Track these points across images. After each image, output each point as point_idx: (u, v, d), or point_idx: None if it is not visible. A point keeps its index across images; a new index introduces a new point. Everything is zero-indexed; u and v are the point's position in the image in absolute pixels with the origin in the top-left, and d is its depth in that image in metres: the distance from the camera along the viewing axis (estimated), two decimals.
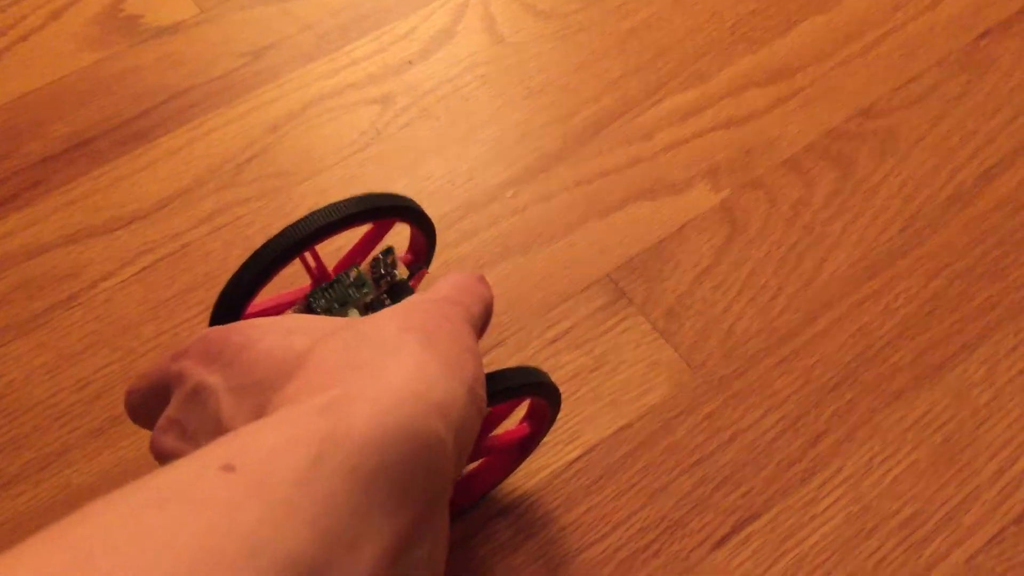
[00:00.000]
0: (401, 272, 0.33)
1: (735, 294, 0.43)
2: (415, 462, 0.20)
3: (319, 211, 0.31)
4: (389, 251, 0.34)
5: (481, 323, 0.28)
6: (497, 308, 0.43)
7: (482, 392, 0.24)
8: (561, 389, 0.41)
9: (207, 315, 0.43)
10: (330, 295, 0.33)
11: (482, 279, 0.29)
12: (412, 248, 0.39)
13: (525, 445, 0.37)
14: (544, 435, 0.37)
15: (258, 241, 0.31)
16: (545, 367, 0.42)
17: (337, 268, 0.36)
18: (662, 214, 0.46)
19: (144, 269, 0.44)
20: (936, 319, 0.43)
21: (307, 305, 0.33)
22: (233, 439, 0.19)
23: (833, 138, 0.48)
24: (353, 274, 0.33)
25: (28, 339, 0.42)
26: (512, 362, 0.42)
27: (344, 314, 0.32)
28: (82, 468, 0.39)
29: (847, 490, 0.39)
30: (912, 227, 0.45)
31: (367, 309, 0.33)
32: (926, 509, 0.38)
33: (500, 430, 0.36)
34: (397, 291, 0.33)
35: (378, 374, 0.21)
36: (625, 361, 0.42)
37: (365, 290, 0.33)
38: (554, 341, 0.42)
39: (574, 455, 0.39)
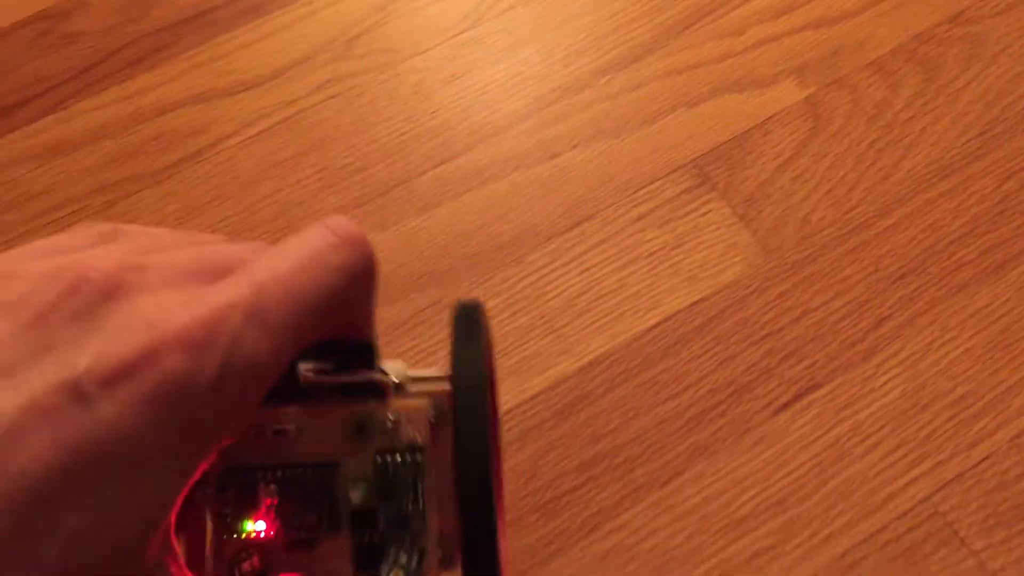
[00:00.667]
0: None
1: (813, 185, 0.46)
2: None
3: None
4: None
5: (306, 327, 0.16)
6: (587, 185, 0.46)
7: None
8: (643, 263, 0.45)
9: (318, 177, 0.47)
10: (377, 477, 0.18)
11: (351, 240, 0.17)
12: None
13: None
14: None
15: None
16: (629, 242, 0.45)
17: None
18: (748, 107, 0.48)
19: (263, 131, 0.48)
20: (1005, 219, 0.45)
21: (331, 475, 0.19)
22: None
23: (921, 42, 0.49)
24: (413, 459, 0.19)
25: (159, 188, 0.47)
26: (598, 236, 0.45)
27: (369, 513, 0.18)
28: None
29: (905, 369, 0.42)
30: (990, 132, 0.47)
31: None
32: (978, 390, 0.41)
33: None
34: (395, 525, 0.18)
35: None
36: (704, 241, 0.45)
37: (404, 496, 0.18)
38: (639, 219, 0.45)
39: (652, 322, 0.43)
